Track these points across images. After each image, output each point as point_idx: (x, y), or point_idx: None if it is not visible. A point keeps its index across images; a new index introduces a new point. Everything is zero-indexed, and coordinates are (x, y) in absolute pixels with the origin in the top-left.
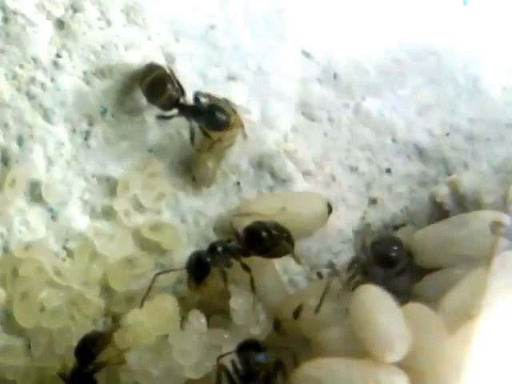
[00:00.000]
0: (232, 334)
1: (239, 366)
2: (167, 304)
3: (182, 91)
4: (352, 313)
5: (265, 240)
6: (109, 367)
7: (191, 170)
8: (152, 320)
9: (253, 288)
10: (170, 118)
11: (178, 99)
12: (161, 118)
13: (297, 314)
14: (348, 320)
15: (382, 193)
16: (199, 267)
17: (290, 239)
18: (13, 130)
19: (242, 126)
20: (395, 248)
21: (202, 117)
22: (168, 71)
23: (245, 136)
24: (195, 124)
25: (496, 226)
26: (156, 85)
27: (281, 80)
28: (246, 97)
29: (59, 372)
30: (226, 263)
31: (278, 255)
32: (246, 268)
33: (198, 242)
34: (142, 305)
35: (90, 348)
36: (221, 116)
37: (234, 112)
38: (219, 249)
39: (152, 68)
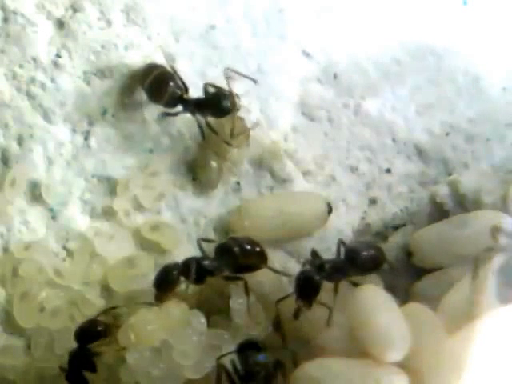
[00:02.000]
0: (232, 334)
1: (239, 366)
2: (177, 311)
3: (185, 87)
4: (352, 313)
5: (238, 256)
6: (109, 366)
7: (195, 172)
8: (158, 324)
9: (247, 292)
10: (175, 115)
11: (181, 95)
12: (166, 115)
13: (297, 314)
14: (348, 320)
15: (382, 193)
16: (167, 281)
17: (263, 253)
18: (13, 130)
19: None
20: (369, 250)
21: (207, 107)
22: (169, 69)
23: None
24: (201, 120)
25: (496, 231)
26: (158, 83)
27: (281, 80)
28: (246, 97)
29: (60, 365)
30: (196, 280)
31: (252, 270)
32: (235, 278)
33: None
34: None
35: (91, 331)
36: (225, 101)
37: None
38: (192, 266)
39: (152, 67)
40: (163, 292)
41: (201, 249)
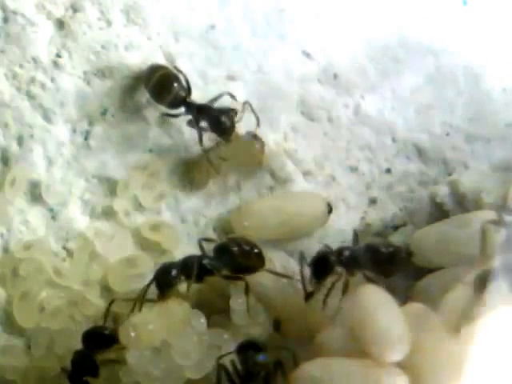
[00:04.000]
0: (232, 334)
1: (239, 366)
2: (178, 310)
3: (189, 89)
4: (352, 313)
5: (236, 255)
6: (110, 366)
7: (192, 170)
8: (159, 323)
9: (247, 292)
10: (176, 116)
11: (184, 97)
12: (167, 115)
13: (308, 296)
14: (348, 320)
15: (382, 193)
16: (166, 279)
17: (261, 255)
18: (13, 130)
19: (261, 152)
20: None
21: (207, 117)
22: (173, 70)
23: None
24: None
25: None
26: (162, 84)
27: (281, 80)
28: (246, 97)
29: (62, 366)
30: (196, 279)
31: (250, 272)
32: (235, 278)
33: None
34: (139, 309)
35: (100, 338)
36: (225, 122)
37: (258, 141)
38: (192, 264)
39: (156, 68)
40: (163, 291)
41: (201, 248)
